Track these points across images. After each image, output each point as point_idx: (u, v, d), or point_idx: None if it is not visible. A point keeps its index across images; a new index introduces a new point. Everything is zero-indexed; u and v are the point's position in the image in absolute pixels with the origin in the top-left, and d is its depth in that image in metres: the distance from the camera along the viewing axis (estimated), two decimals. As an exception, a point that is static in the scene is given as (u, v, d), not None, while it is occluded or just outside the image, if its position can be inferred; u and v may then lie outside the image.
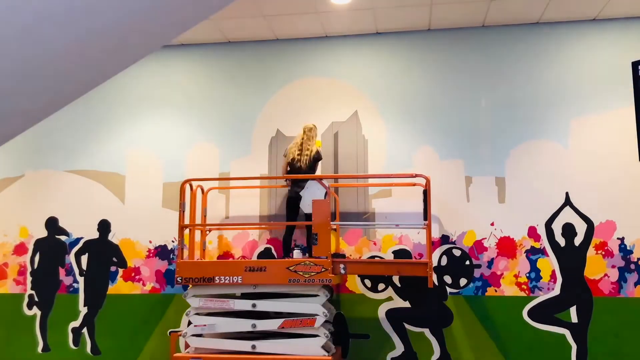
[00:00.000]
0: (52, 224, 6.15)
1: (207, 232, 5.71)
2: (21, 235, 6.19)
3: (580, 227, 5.40)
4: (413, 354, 5.43)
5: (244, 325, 4.84)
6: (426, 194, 4.89)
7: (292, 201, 5.31)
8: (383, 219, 5.64)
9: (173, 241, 5.91)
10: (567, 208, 5.43)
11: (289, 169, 5.38)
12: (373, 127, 5.80)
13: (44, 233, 6.16)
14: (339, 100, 5.89)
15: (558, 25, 5.68)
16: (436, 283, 5.49)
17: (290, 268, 4.75)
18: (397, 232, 5.61)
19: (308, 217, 5.17)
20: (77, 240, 6.09)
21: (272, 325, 4.79)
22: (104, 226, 6.07)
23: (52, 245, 6.13)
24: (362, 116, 5.83)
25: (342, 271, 4.82)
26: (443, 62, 5.81)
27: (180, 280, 4.91)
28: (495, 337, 5.37)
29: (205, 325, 4.88)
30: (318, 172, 5.49)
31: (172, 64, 6.22)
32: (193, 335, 4.89)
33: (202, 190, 5.65)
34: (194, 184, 5.40)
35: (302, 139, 5.36)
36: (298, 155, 5.30)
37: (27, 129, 1.79)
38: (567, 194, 5.45)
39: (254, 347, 4.77)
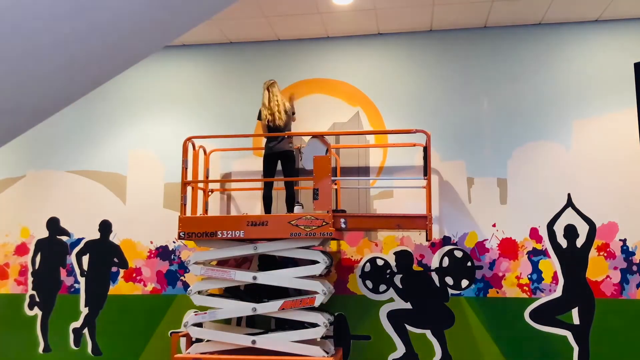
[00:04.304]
0: (53, 224, 6.15)
1: (210, 192, 5.74)
2: (22, 236, 6.19)
3: (582, 229, 5.38)
4: (414, 356, 5.42)
5: (245, 309, 4.86)
6: (426, 150, 4.91)
7: (270, 157, 5.34)
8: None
9: (174, 242, 5.91)
10: (569, 209, 5.42)
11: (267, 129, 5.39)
12: (374, 128, 5.80)
13: (45, 233, 6.16)
14: (340, 101, 5.89)
15: (560, 26, 5.66)
16: (437, 284, 5.49)
17: (292, 222, 4.73)
18: (398, 234, 5.61)
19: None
20: (78, 240, 6.09)
21: (273, 307, 4.79)
22: (105, 227, 6.07)
23: (53, 245, 6.12)
24: (363, 117, 5.83)
25: (343, 225, 4.77)
26: (445, 63, 5.80)
27: (183, 235, 4.88)
28: (497, 339, 5.35)
29: (206, 313, 4.89)
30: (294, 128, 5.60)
31: (173, 65, 6.21)
32: (194, 325, 4.91)
33: (205, 151, 5.72)
34: (197, 144, 5.52)
35: (268, 98, 5.36)
36: (270, 115, 5.30)
37: (28, 129, 1.79)
38: (569, 195, 5.44)
39: (254, 342, 4.78)
